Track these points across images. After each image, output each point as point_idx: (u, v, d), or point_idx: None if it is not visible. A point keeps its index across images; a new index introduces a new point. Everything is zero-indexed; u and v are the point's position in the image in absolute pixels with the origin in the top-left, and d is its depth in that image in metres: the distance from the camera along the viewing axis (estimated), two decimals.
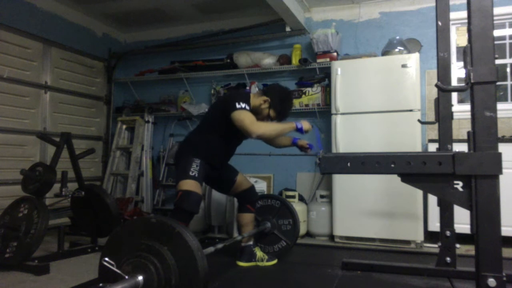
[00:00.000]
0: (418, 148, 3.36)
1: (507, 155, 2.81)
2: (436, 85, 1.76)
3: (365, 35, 4.20)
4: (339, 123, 3.60)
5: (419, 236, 3.32)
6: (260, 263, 2.79)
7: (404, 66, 3.42)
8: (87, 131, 4.78)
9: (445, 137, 2.45)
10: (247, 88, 4.42)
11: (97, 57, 4.92)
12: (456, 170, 1.52)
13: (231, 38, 4.61)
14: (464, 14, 3.51)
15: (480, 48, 1.50)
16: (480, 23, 1.52)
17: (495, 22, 1.58)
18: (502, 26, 3.84)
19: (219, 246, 2.32)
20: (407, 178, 1.65)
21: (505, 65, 3.84)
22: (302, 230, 3.60)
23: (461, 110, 3.67)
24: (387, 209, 3.39)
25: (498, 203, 1.47)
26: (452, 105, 2.51)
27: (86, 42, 4.74)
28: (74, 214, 3.35)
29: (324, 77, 4.11)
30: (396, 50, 3.59)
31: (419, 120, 3.18)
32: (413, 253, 3.18)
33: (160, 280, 1.48)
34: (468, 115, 1.72)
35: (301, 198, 3.96)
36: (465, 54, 1.53)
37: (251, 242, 2.85)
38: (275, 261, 2.85)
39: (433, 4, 2.47)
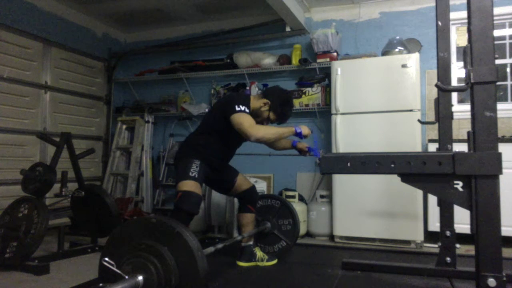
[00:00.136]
0: (418, 148, 3.36)
1: (507, 155, 2.82)
2: (436, 85, 1.76)
3: (365, 35, 4.20)
4: (339, 123, 3.60)
5: (419, 236, 3.32)
6: (260, 263, 2.79)
7: (404, 66, 3.42)
8: (87, 131, 4.78)
9: (445, 137, 2.46)
10: (247, 88, 4.42)
11: (97, 57, 4.92)
12: (456, 170, 1.52)
13: (231, 38, 4.61)
14: (464, 14, 3.51)
15: (480, 48, 1.50)
16: (480, 23, 1.52)
17: (495, 22, 1.58)
18: (502, 26, 3.84)
19: (219, 246, 2.32)
20: (407, 178, 1.65)
21: (505, 65, 3.84)
22: (302, 230, 3.60)
23: (461, 110, 3.67)
24: (387, 209, 3.39)
25: (498, 203, 1.47)
26: (452, 105, 2.51)
27: (86, 42, 4.74)
28: (74, 214, 3.35)
29: (324, 77, 4.11)
30: (396, 50, 3.59)
31: (419, 120, 3.18)
32: (413, 253, 3.18)
33: (160, 280, 1.47)
34: (468, 115, 1.72)
35: (301, 198, 3.97)
36: (465, 54, 1.53)
37: (251, 242, 2.84)
38: (275, 261, 2.85)
39: (433, 4, 2.47)
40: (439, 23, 2.38)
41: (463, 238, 2.72)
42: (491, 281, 1.44)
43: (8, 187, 3.71)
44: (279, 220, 3.05)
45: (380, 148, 3.38)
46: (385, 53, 3.65)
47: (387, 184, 3.36)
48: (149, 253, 1.50)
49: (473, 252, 1.56)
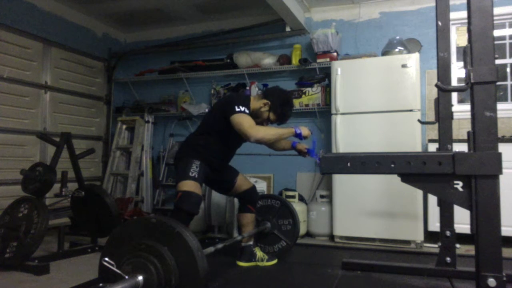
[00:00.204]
0: (418, 148, 3.36)
1: (507, 155, 2.82)
2: (436, 85, 1.76)
3: (365, 35, 4.20)
4: (339, 123, 3.60)
5: (419, 236, 3.32)
6: (260, 263, 2.79)
7: (404, 66, 3.42)
8: (87, 131, 4.78)
9: (445, 137, 2.45)
10: (247, 88, 4.42)
11: (97, 57, 4.92)
12: (456, 170, 1.52)
13: (231, 38, 4.61)
14: (464, 14, 3.51)
15: (480, 48, 1.50)
16: (480, 23, 1.51)
17: (495, 22, 1.58)
18: (502, 26, 3.84)
19: (219, 246, 2.32)
20: (407, 178, 1.65)
21: (505, 65, 3.84)
22: (302, 230, 3.60)
23: (461, 110, 3.67)
24: (387, 209, 3.39)
25: (498, 203, 1.47)
26: (452, 105, 2.51)
27: (86, 42, 4.74)
28: (74, 214, 3.35)
29: (324, 77, 4.11)
30: (396, 50, 3.59)
31: (419, 120, 3.18)
32: (413, 253, 3.18)
33: (160, 280, 1.47)
34: (468, 115, 1.72)
35: (301, 198, 3.97)
36: (465, 54, 1.53)
37: (251, 242, 2.85)
38: (275, 261, 2.85)
39: (433, 4, 2.47)
40: (439, 23, 2.38)
41: (463, 238, 2.72)
42: (491, 281, 1.44)
43: (8, 187, 3.71)
44: (279, 220, 3.05)
45: (380, 148, 3.38)
46: (385, 53, 3.65)
47: (387, 184, 3.36)
48: (149, 253, 1.50)
49: (473, 252, 1.56)
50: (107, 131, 5.05)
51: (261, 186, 3.78)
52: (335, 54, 4.00)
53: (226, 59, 4.49)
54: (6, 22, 3.79)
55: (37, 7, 4.12)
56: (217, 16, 4.67)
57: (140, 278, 1.47)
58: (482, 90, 1.49)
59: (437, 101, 2.48)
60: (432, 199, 3.29)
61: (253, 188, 2.90)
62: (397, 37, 3.70)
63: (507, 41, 3.83)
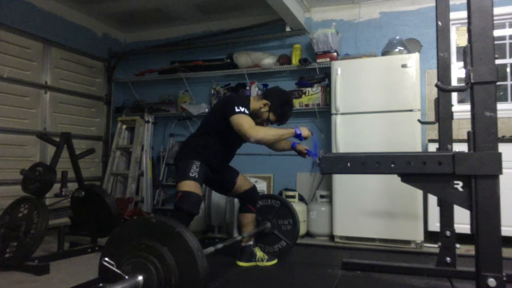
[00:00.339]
0: (418, 148, 3.36)
1: (507, 155, 2.82)
2: (436, 85, 1.76)
3: (365, 35, 4.20)
4: (339, 123, 3.60)
5: (419, 236, 3.32)
6: (260, 263, 2.79)
7: (404, 66, 3.42)
8: (87, 131, 4.78)
9: (445, 137, 2.45)
10: (247, 88, 4.42)
11: (97, 57, 4.92)
12: (456, 170, 1.52)
13: (231, 38, 4.61)
14: (464, 14, 3.51)
15: (480, 48, 1.50)
16: (480, 23, 1.51)
17: (495, 22, 1.58)
18: (502, 26, 3.84)
19: (219, 246, 2.32)
20: (407, 178, 1.65)
21: (505, 65, 3.84)
22: (302, 230, 3.60)
23: (461, 110, 3.67)
24: (387, 209, 3.39)
25: (498, 203, 1.47)
26: (452, 105, 2.51)
27: (86, 42, 4.74)
28: (74, 214, 3.35)
29: (324, 77, 4.11)
30: (396, 50, 3.59)
31: (419, 120, 3.19)
32: (413, 253, 3.18)
33: (160, 280, 1.47)
34: (468, 115, 1.72)
35: (301, 198, 3.97)
36: (465, 54, 1.53)
37: (251, 242, 2.84)
38: (275, 261, 2.85)
39: (433, 4, 2.47)
40: (439, 23, 2.38)
41: (463, 238, 2.72)
42: (491, 281, 1.44)
43: (8, 187, 3.71)
44: (279, 220, 3.05)
45: (380, 148, 3.38)
46: (385, 53, 3.65)
47: (387, 184, 3.36)
48: (149, 253, 1.50)
49: (473, 252, 1.56)
50: (107, 131, 5.05)
51: (261, 186, 3.78)
52: (335, 54, 4.00)
53: (226, 59, 4.49)
54: (6, 22, 3.79)
55: (37, 7, 4.12)
56: (217, 16, 4.67)
57: (140, 278, 1.47)
58: (482, 90, 1.49)
59: (437, 101, 2.48)
60: (432, 199, 3.29)
61: (254, 188, 2.90)
62: (397, 37, 3.70)
63: (507, 41, 3.83)
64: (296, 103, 4.11)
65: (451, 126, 2.46)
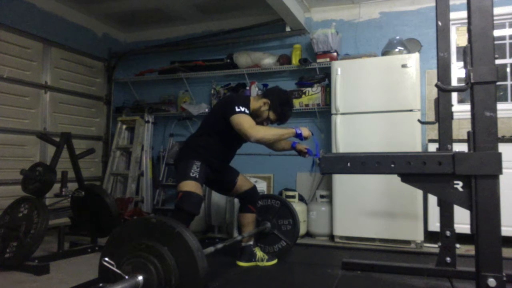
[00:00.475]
0: (418, 148, 3.36)
1: (507, 155, 2.82)
2: (436, 85, 1.76)
3: (365, 35, 4.20)
4: (339, 123, 3.60)
5: (419, 236, 3.32)
6: (260, 263, 2.79)
7: (404, 66, 3.42)
8: (87, 131, 4.78)
9: (445, 137, 2.45)
10: (247, 88, 4.42)
11: (97, 57, 4.92)
12: (456, 170, 1.52)
13: (231, 38, 4.61)
14: (464, 14, 3.51)
15: (480, 48, 1.50)
16: (480, 23, 1.51)
17: (495, 22, 1.58)
18: (502, 26, 3.84)
19: (219, 246, 2.32)
20: (407, 178, 1.65)
21: (505, 65, 3.84)
22: (302, 230, 3.60)
23: (461, 110, 3.67)
24: (387, 209, 3.39)
25: (498, 203, 1.47)
26: (452, 105, 2.51)
27: (86, 42, 4.74)
28: (74, 214, 3.35)
29: (324, 77, 4.11)
30: (396, 50, 3.59)
31: (419, 120, 3.19)
32: (413, 253, 3.18)
33: (160, 280, 1.48)
34: (468, 115, 1.72)
35: (301, 198, 3.97)
36: (465, 54, 1.53)
37: (251, 242, 2.84)
38: (275, 261, 2.85)
39: (433, 4, 2.47)
40: (439, 23, 2.38)
41: (463, 238, 2.72)
42: (491, 281, 1.44)
43: (8, 187, 3.71)
44: (279, 220, 3.05)
45: (380, 148, 3.38)
46: (385, 53, 3.65)
47: (387, 184, 3.36)
48: (149, 253, 1.50)
49: (473, 252, 1.56)
50: (107, 131, 5.05)
51: (261, 186, 3.78)
52: (335, 54, 4.00)
53: (226, 59, 4.49)
54: (6, 22, 3.79)
55: (37, 7, 4.12)
56: (217, 16, 4.67)
57: (140, 278, 1.47)
58: (482, 90, 1.49)
59: (437, 101, 2.48)
60: (432, 199, 3.29)
61: (254, 188, 2.90)
62: (397, 37, 3.70)
63: (507, 41, 3.83)
64: (296, 103, 4.11)
65: (451, 126, 2.46)
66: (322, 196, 3.85)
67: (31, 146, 4.04)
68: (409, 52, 3.58)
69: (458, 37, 3.98)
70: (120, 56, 5.07)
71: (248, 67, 4.39)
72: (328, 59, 4.01)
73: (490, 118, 1.48)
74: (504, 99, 3.85)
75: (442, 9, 2.37)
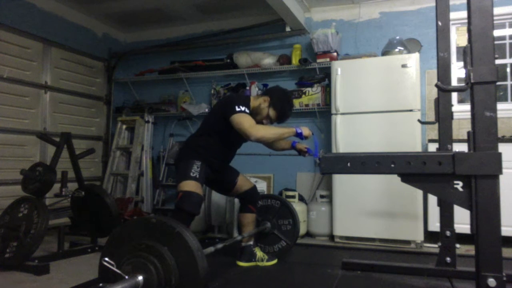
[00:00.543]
0: (418, 148, 3.36)
1: (507, 155, 2.82)
2: (436, 85, 1.76)
3: (365, 35, 4.20)
4: (339, 123, 3.60)
5: (419, 236, 3.32)
6: (260, 263, 2.79)
7: (404, 66, 3.42)
8: (87, 131, 4.78)
9: (445, 137, 2.45)
10: (247, 88, 4.42)
11: (97, 57, 4.92)
12: (456, 170, 1.52)
13: (231, 38, 4.61)
14: (464, 14, 3.51)
15: (480, 48, 1.50)
16: (480, 23, 1.51)
17: (495, 22, 1.58)
18: (502, 26, 3.84)
19: (219, 246, 2.32)
20: (407, 178, 1.65)
21: (505, 65, 3.84)
22: (302, 230, 3.60)
23: (461, 110, 3.67)
24: (387, 209, 3.39)
25: (498, 203, 1.47)
26: (452, 105, 2.51)
27: (86, 42, 4.74)
28: (74, 214, 3.35)
29: (324, 77, 4.11)
30: (396, 50, 3.59)
31: (419, 120, 3.18)
32: (413, 253, 3.18)
33: (160, 280, 1.47)
34: (468, 115, 1.72)
35: (301, 198, 3.97)
36: (465, 54, 1.53)
37: (251, 242, 2.84)
38: (275, 261, 2.85)
39: (433, 4, 2.47)
40: (439, 23, 2.38)
41: (463, 238, 2.72)
42: (491, 281, 1.44)
43: (8, 187, 3.71)
44: (279, 220, 3.05)
45: (380, 148, 3.38)
46: (385, 53, 3.65)
47: (387, 184, 3.36)
48: (149, 253, 1.50)
49: (473, 252, 1.56)
50: (107, 131, 5.05)
51: (261, 186, 3.78)
52: (335, 54, 4.00)
53: (226, 59, 4.49)
54: (6, 22, 3.79)
55: (37, 7, 4.12)
56: (217, 16, 4.67)
57: (140, 278, 1.47)
58: (482, 90, 1.49)
59: (437, 101, 2.48)
60: (432, 199, 3.29)
61: (254, 188, 2.90)
62: (397, 37, 3.70)
63: (507, 41, 3.83)
64: (296, 103, 4.10)
65: (451, 126, 2.46)
66: (322, 196, 3.85)
67: (31, 146, 4.04)
68: (409, 52, 3.58)
69: (458, 37, 3.98)
70: (120, 56, 5.07)
71: (248, 67, 4.39)
72: (328, 59, 4.01)
73: (490, 118, 1.48)
74: (504, 99, 3.85)
75: (442, 9, 2.37)
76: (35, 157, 4.04)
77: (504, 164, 1.50)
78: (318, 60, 4.08)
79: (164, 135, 4.93)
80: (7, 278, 2.49)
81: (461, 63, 3.81)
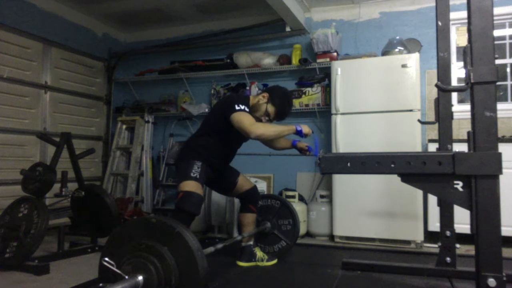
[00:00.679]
0: (418, 148, 3.36)
1: (507, 155, 2.82)
2: (436, 85, 1.76)
3: (365, 35, 4.20)
4: (339, 123, 3.60)
5: (419, 236, 3.32)
6: (260, 263, 2.79)
7: (404, 66, 3.42)
8: (87, 131, 4.78)
9: (445, 137, 2.45)
10: (247, 88, 4.42)
11: (97, 57, 4.92)
12: (456, 170, 1.52)
13: (231, 38, 4.61)
14: (464, 14, 3.51)
15: (480, 48, 1.50)
16: (480, 23, 1.51)
17: (495, 22, 1.58)
18: (502, 26, 3.84)
19: (219, 246, 2.32)
20: (407, 178, 1.65)
21: (505, 65, 3.84)
22: (302, 230, 3.60)
23: (461, 110, 3.67)
24: (387, 209, 3.39)
25: (498, 203, 1.47)
26: (452, 105, 2.51)
27: (86, 42, 4.74)
28: (74, 214, 3.35)
29: (324, 77, 4.11)
30: (396, 50, 3.59)
31: (419, 120, 3.18)
32: (413, 253, 3.18)
33: (160, 280, 1.47)
34: (468, 115, 1.72)
35: (301, 198, 3.97)
36: (465, 54, 1.53)
37: (251, 242, 2.84)
38: (275, 261, 2.85)
39: (433, 4, 2.47)
40: (439, 23, 2.38)
41: (463, 238, 2.72)
42: (491, 281, 1.44)
43: (8, 187, 3.71)
44: (279, 220, 3.05)
45: (380, 148, 3.38)
46: (385, 53, 3.65)
47: (387, 184, 3.36)
48: (149, 253, 1.50)
49: (473, 252, 1.56)
50: (107, 131, 5.05)
51: (261, 186, 3.78)
52: (335, 54, 4.00)
53: (226, 59, 4.49)
54: (6, 22, 3.79)
55: (37, 7, 4.12)
56: (217, 16, 4.67)
57: (140, 278, 1.47)
58: (482, 90, 1.49)
59: (437, 101, 2.48)
60: (432, 199, 3.29)
61: (254, 188, 2.90)
62: (397, 37, 3.70)
63: (507, 41, 3.83)
64: (296, 103, 4.10)
65: (451, 126, 2.46)
66: (322, 196, 3.85)
67: (31, 146, 4.04)
68: (409, 52, 3.58)
69: (458, 37, 3.98)
70: (120, 56, 5.07)
71: (248, 67, 4.39)
72: (328, 59, 4.01)
73: (490, 118, 1.48)
74: (504, 99, 3.85)
75: (442, 9, 2.37)
76: (35, 157, 4.04)
77: (504, 164, 1.50)
78: (318, 60, 4.08)
79: (164, 135, 4.93)
80: (7, 278, 2.49)
81: (461, 63, 3.80)
